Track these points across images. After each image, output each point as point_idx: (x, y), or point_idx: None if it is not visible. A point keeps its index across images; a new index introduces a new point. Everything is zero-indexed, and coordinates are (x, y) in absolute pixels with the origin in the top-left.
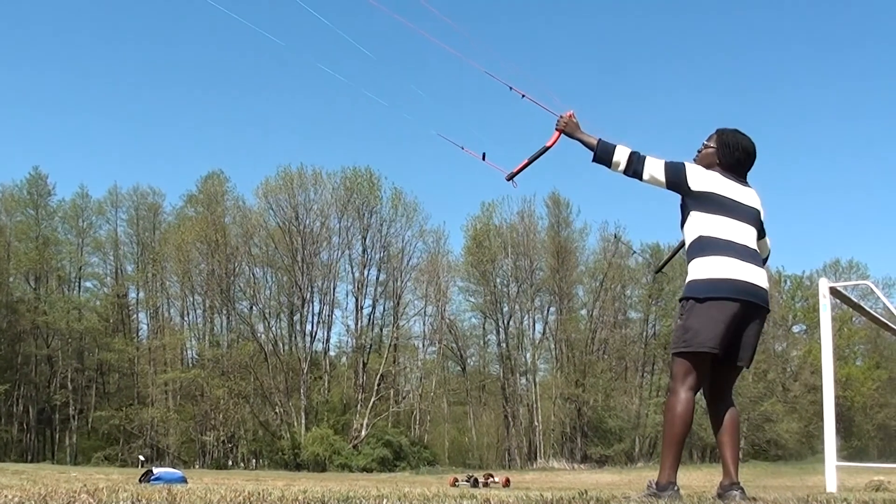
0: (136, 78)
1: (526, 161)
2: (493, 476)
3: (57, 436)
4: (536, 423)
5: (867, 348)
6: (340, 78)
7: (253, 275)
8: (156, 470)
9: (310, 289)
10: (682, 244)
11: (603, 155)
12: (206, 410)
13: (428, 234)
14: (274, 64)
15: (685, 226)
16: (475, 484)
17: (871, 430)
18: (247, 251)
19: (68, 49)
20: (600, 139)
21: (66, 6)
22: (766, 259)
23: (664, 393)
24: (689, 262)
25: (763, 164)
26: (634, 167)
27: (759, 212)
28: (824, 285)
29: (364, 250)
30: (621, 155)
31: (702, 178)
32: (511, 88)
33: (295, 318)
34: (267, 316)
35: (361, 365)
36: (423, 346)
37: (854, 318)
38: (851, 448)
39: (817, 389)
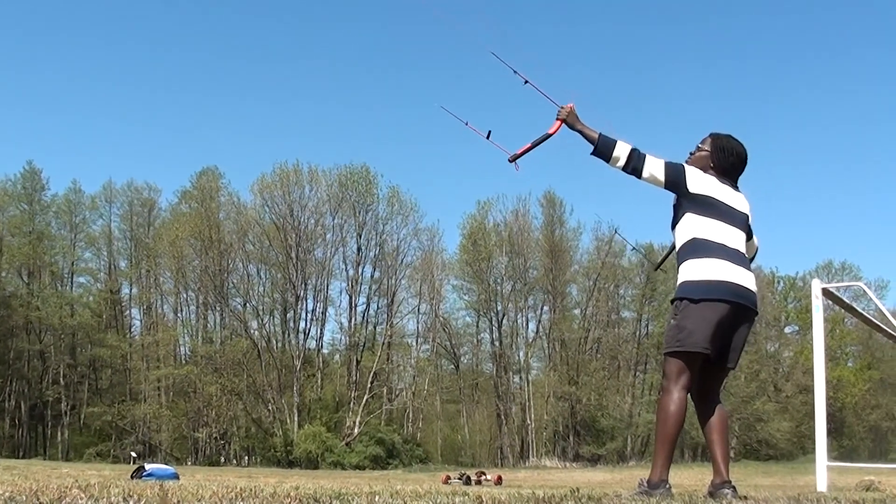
0: (132, 74)
1: (529, 145)
2: (485, 474)
3: (49, 431)
4: (529, 422)
5: (859, 349)
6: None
7: (247, 271)
8: (148, 466)
9: (304, 286)
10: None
11: (603, 149)
12: (198, 407)
13: (422, 232)
14: (274, 58)
15: (678, 226)
16: (467, 482)
17: (862, 430)
18: (241, 248)
19: (64, 45)
20: (601, 133)
21: (60, 2)
22: (753, 258)
23: (657, 392)
24: (681, 263)
25: (757, 165)
26: (634, 164)
27: (748, 216)
28: (817, 286)
29: (359, 248)
30: (621, 151)
31: (700, 182)
32: (515, 72)
33: (288, 315)
34: (260, 313)
35: (355, 363)
36: (417, 344)
37: (846, 320)
38: (843, 448)
39: (809, 390)
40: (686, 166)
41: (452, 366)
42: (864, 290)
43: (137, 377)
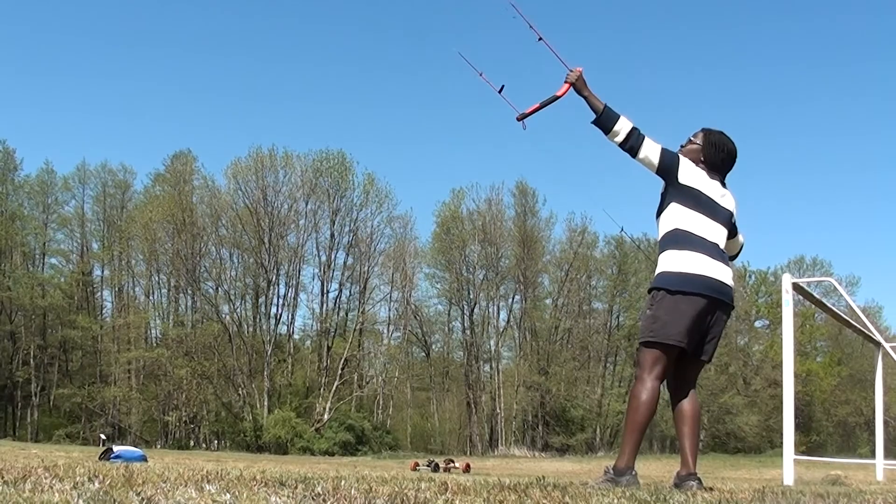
0: (108, 55)
1: (537, 105)
2: (453, 462)
3: (18, 413)
4: (499, 411)
5: (829, 345)
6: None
7: (219, 255)
8: (116, 448)
9: (276, 271)
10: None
11: (606, 121)
12: (168, 390)
13: (396, 219)
14: (252, 43)
15: (663, 214)
16: (436, 469)
17: (830, 425)
18: (214, 231)
19: (38, 25)
20: (607, 105)
21: None
22: (738, 254)
23: (627, 383)
24: (661, 252)
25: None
26: (632, 143)
27: (732, 214)
28: (787, 281)
29: (332, 234)
30: (623, 126)
31: (691, 173)
32: (531, 27)
33: (260, 300)
34: (232, 297)
35: (326, 349)
36: (388, 331)
37: (816, 315)
38: (811, 443)
39: (778, 384)
40: (681, 156)
41: (423, 353)
42: (835, 286)
43: (108, 359)
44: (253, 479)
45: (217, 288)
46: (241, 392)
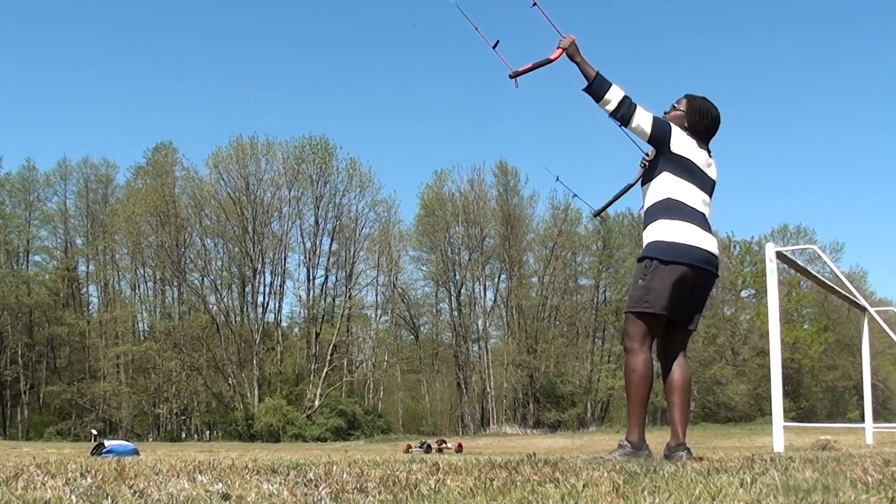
0: (85, 50)
1: (530, 65)
2: (445, 442)
3: (8, 411)
4: (489, 390)
5: (815, 312)
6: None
7: (204, 246)
8: (107, 443)
9: (261, 260)
10: (627, 188)
11: (598, 88)
12: (158, 383)
13: (380, 203)
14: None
15: (653, 182)
16: (428, 450)
17: (818, 391)
18: (198, 222)
19: (16, 21)
20: (599, 72)
21: None
22: None
23: (615, 358)
24: (652, 221)
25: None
26: (624, 112)
27: (715, 183)
28: (771, 250)
29: (316, 220)
30: (614, 94)
31: (683, 143)
32: None
33: (247, 289)
34: (218, 287)
35: (314, 335)
36: (376, 315)
37: (802, 283)
38: (800, 409)
39: (766, 352)
40: (673, 125)
41: (412, 336)
42: (819, 253)
43: (96, 354)
44: (245, 468)
45: (203, 279)
46: (231, 382)
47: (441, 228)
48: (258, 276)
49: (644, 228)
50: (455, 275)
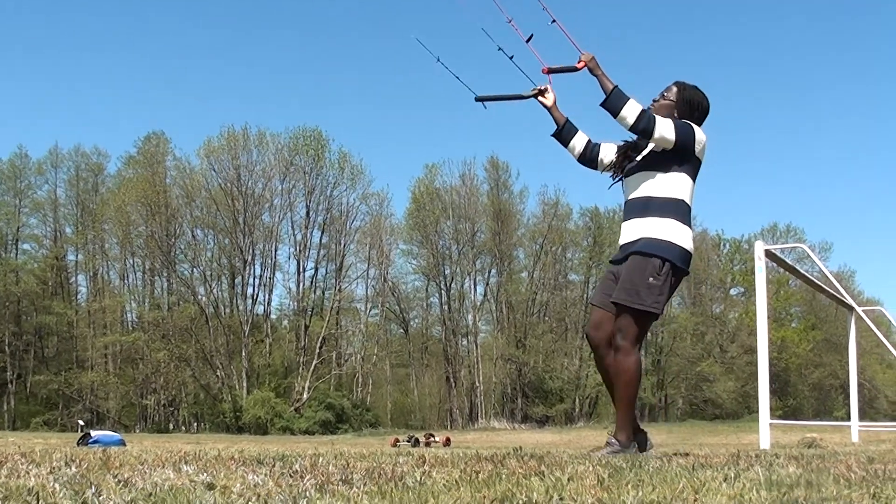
0: (80, 36)
1: (560, 67)
2: (433, 436)
3: None
4: (478, 384)
5: (803, 310)
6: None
7: (194, 237)
8: (94, 433)
9: (251, 251)
10: (518, 98)
11: (616, 102)
12: (146, 374)
13: (371, 196)
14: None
15: (669, 175)
16: (416, 444)
17: (805, 389)
18: (188, 213)
19: (11, 5)
20: (617, 86)
21: None
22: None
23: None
24: (664, 216)
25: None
26: (644, 125)
27: None
28: (760, 248)
29: (307, 213)
30: (632, 110)
31: (702, 146)
32: (544, 8)
33: (236, 280)
34: (208, 278)
35: (303, 328)
36: (366, 308)
37: (790, 281)
38: (787, 407)
39: (754, 350)
40: (695, 129)
41: (401, 330)
42: (807, 252)
43: (84, 344)
44: (231, 459)
45: (192, 269)
46: (219, 374)
47: (432, 223)
48: (248, 267)
49: (638, 215)
50: (445, 269)
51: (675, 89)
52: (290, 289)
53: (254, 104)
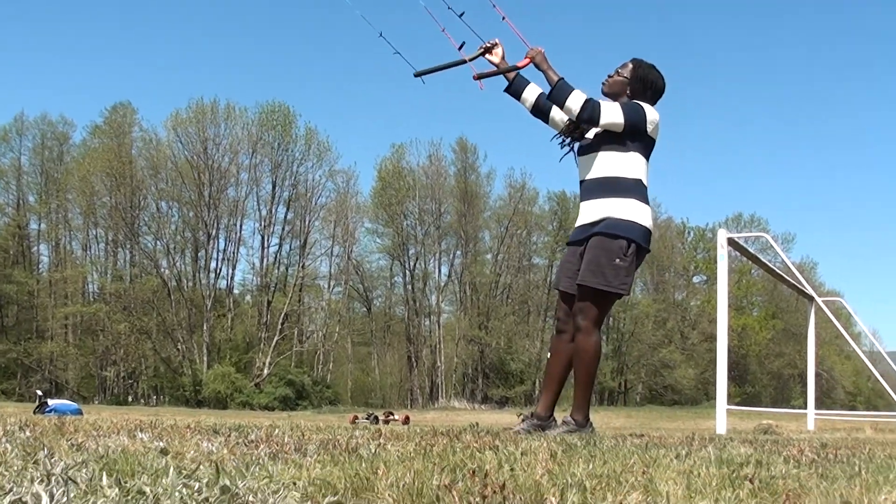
0: (50, 3)
1: (497, 69)
2: (393, 414)
3: None
4: (439, 364)
5: (764, 299)
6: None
7: (158, 209)
8: (51, 402)
9: (216, 225)
10: (459, 63)
11: (560, 94)
12: (106, 345)
13: (338, 174)
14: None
15: (624, 156)
16: (375, 421)
17: (765, 377)
18: (153, 185)
19: None
20: (562, 78)
21: None
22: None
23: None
24: (628, 199)
25: (674, 116)
26: (589, 114)
27: None
28: (722, 236)
29: (273, 188)
30: (576, 101)
31: (655, 124)
32: (494, 6)
33: (200, 254)
34: (171, 251)
35: (266, 304)
36: (329, 286)
37: (753, 271)
38: (746, 394)
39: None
40: (644, 107)
41: (364, 309)
42: (770, 242)
43: (45, 314)
44: (187, 428)
45: (156, 242)
46: (180, 347)
47: (398, 202)
48: (212, 241)
49: (599, 195)
50: (410, 249)
51: (630, 66)
52: (253, 264)
53: (223, 78)
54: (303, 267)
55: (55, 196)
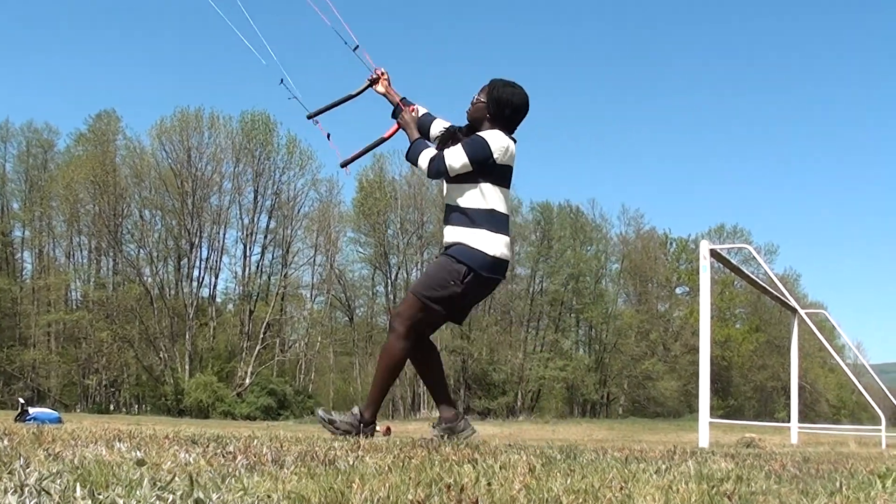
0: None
1: (362, 150)
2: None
3: None
4: None
5: (747, 312)
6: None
7: (142, 217)
8: (31, 410)
9: (198, 234)
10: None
11: (412, 154)
12: (89, 353)
13: (321, 182)
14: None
15: (476, 187)
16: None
17: (748, 390)
18: (137, 193)
19: None
20: (419, 138)
21: None
22: None
23: (549, 348)
24: (478, 229)
25: (658, 127)
26: (436, 170)
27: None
28: (705, 247)
29: (255, 197)
30: (423, 160)
31: (505, 152)
32: (348, 36)
33: (182, 262)
34: (154, 260)
35: (248, 313)
36: (311, 295)
37: (736, 282)
38: (728, 407)
39: (697, 350)
40: (489, 139)
41: (346, 318)
42: (753, 254)
43: (27, 322)
44: (165, 438)
45: (139, 250)
46: (162, 356)
47: (380, 212)
48: (195, 250)
49: (454, 223)
50: (392, 259)
51: (486, 89)
52: (236, 273)
53: (206, 86)
54: (285, 276)
55: (39, 203)
